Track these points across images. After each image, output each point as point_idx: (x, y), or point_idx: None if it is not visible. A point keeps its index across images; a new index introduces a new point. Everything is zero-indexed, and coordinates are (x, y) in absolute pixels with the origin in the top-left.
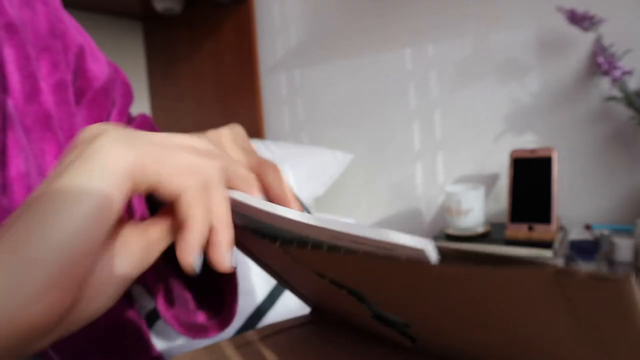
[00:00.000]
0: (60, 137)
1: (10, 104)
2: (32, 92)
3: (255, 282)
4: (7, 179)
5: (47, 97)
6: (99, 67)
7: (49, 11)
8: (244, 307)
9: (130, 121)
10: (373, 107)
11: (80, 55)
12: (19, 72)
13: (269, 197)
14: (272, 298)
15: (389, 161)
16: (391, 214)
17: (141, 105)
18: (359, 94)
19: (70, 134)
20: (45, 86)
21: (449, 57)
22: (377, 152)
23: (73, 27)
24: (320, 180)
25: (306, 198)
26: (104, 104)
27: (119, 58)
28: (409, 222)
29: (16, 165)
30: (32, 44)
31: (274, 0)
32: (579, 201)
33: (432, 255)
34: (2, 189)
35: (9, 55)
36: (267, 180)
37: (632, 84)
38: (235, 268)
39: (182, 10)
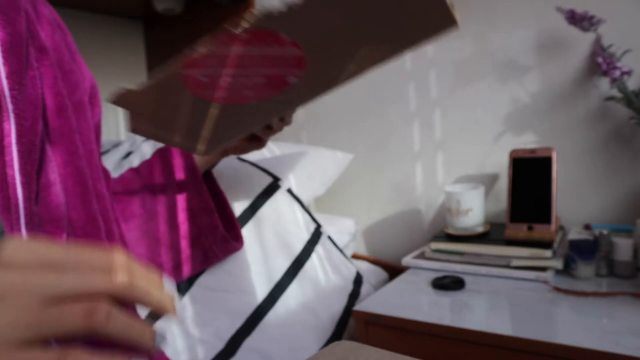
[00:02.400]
0: (80, 150)
1: (47, 119)
2: (60, 109)
3: (255, 281)
4: (40, 186)
5: (71, 114)
6: (100, 104)
7: (68, 43)
8: (244, 307)
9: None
10: (373, 107)
11: (94, 88)
12: (50, 89)
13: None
14: (272, 298)
15: (389, 161)
16: (391, 214)
17: None
18: (359, 94)
19: (89, 147)
20: (69, 103)
21: (449, 57)
22: (377, 152)
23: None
24: (320, 180)
25: (306, 198)
26: (91, 138)
27: (119, 58)
28: (409, 221)
29: (45, 175)
30: (58, 66)
31: (274, 0)
32: (578, 201)
33: None
34: (36, 196)
35: (44, 74)
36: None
37: (632, 84)
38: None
39: (183, 11)
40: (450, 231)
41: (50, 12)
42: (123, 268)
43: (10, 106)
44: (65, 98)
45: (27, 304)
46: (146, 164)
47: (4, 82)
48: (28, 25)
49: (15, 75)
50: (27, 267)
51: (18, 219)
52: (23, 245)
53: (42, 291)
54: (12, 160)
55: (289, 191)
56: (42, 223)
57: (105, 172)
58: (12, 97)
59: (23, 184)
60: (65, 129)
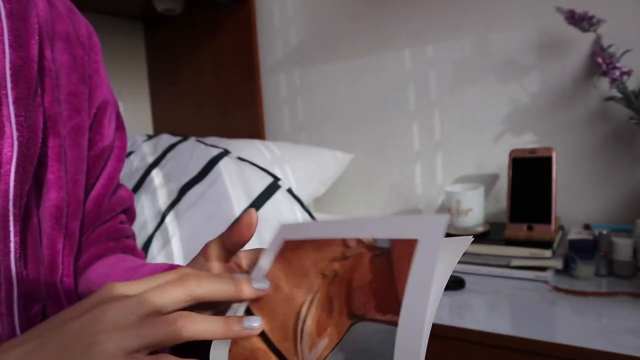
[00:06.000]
0: (62, 181)
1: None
2: (53, 134)
3: None
4: (41, 209)
5: (62, 142)
6: (109, 129)
7: (88, 61)
8: None
9: (117, 189)
10: (373, 108)
11: (103, 110)
12: (42, 115)
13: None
14: None
15: (389, 161)
16: (391, 214)
17: (142, 106)
18: (359, 95)
19: (75, 177)
20: (63, 130)
21: (449, 57)
22: (377, 152)
23: (106, 84)
24: (320, 180)
25: (306, 198)
26: (98, 164)
27: (120, 58)
28: None
29: (28, 207)
30: (63, 87)
31: (274, 0)
32: (578, 201)
33: None
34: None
35: (44, 98)
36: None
37: (631, 84)
38: None
39: (183, 11)
40: (450, 231)
41: (73, 28)
42: (191, 277)
43: (15, 133)
44: (57, 124)
45: (129, 319)
46: None
47: (11, 107)
48: (40, 47)
49: (23, 102)
50: (123, 295)
51: (8, 254)
52: (115, 284)
53: (137, 309)
54: (7, 189)
55: (289, 191)
56: (27, 259)
57: (124, 200)
58: (17, 123)
59: (15, 215)
60: (54, 154)
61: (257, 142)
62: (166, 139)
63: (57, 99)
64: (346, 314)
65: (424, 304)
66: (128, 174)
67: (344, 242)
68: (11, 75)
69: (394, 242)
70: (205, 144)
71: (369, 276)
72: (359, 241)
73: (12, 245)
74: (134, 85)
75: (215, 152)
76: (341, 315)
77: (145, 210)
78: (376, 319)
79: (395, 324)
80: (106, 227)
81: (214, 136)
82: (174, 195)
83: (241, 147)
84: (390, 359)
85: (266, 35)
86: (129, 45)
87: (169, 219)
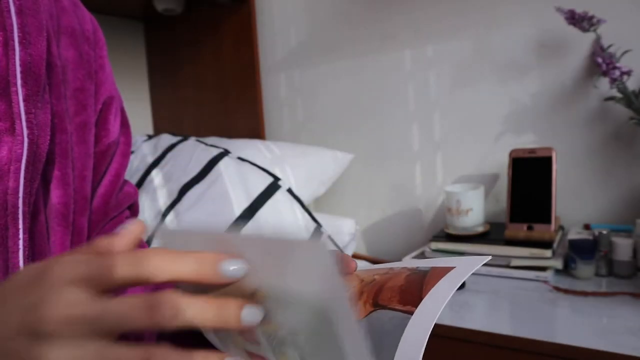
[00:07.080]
0: (69, 178)
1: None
2: (59, 131)
3: None
4: (48, 206)
5: (69, 138)
6: (115, 125)
7: (94, 56)
8: None
9: (122, 186)
10: (373, 108)
11: (108, 106)
12: (50, 111)
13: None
14: None
15: (389, 161)
16: (391, 214)
17: (142, 106)
18: (359, 95)
19: (82, 174)
20: (69, 126)
21: (449, 57)
22: (377, 153)
23: (111, 79)
24: (320, 180)
25: (306, 198)
26: (104, 160)
27: (120, 58)
28: (408, 221)
29: (36, 205)
30: (69, 83)
31: (274, 0)
32: (578, 201)
33: None
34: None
35: (52, 94)
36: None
37: (631, 84)
38: None
39: (183, 11)
40: (450, 231)
41: (78, 23)
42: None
43: (25, 131)
44: (64, 120)
45: (86, 298)
46: None
47: (21, 104)
48: (48, 43)
49: (33, 99)
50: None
51: (17, 251)
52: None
53: (99, 282)
54: (17, 187)
55: (289, 191)
56: (35, 256)
57: (129, 196)
58: (28, 121)
59: (24, 213)
60: (60, 152)
61: (257, 142)
62: (166, 139)
63: (63, 95)
64: (371, 303)
65: (440, 303)
66: (128, 174)
67: (390, 268)
68: (21, 73)
69: (434, 267)
70: (205, 144)
71: (401, 282)
72: (404, 267)
73: (20, 242)
74: (134, 85)
75: (215, 152)
76: (366, 304)
77: (145, 210)
78: (396, 309)
79: (411, 313)
80: (114, 222)
81: (214, 136)
82: (174, 195)
83: (241, 147)
84: (397, 339)
85: (266, 35)
86: (129, 45)
87: (169, 219)
